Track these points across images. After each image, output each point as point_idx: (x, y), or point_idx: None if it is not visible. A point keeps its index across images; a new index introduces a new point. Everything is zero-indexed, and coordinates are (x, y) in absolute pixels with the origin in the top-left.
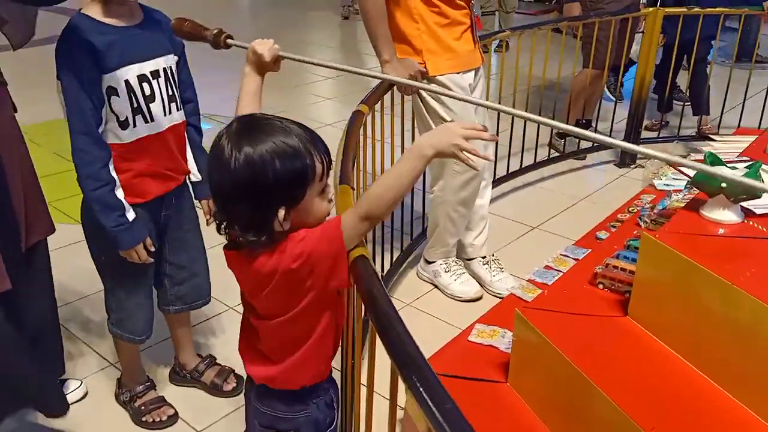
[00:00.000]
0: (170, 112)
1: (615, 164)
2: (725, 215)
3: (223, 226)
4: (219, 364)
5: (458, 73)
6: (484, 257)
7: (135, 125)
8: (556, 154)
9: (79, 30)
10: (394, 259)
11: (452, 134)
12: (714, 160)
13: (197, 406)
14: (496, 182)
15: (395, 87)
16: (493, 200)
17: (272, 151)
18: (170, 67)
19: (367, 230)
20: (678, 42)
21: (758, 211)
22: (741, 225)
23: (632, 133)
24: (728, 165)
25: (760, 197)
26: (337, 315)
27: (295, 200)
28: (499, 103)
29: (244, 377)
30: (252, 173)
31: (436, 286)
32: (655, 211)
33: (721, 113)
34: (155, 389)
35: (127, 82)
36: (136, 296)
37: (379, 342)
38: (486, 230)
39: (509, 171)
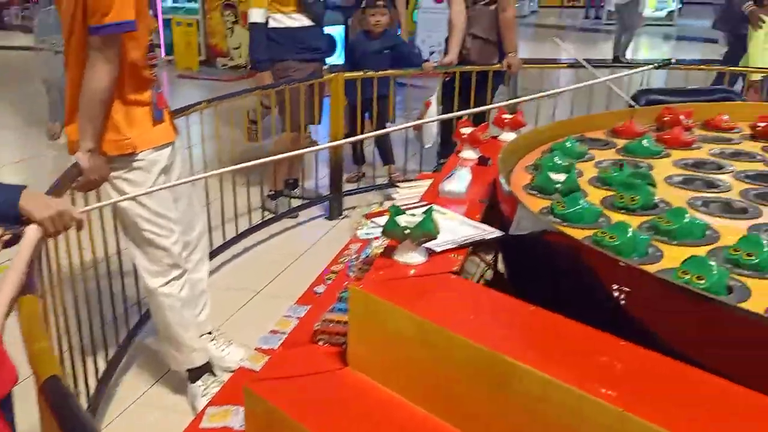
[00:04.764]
0: None
1: (326, 218)
2: (413, 257)
3: None
4: None
5: (159, 148)
6: (209, 333)
7: None
8: (270, 215)
9: None
10: (111, 357)
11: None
12: (397, 212)
13: None
14: (214, 253)
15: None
16: (213, 271)
17: None
18: None
19: None
20: (361, 101)
21: (438, 249)
22: (426, 263)
23: (335, 187)
24: (407, 212)
25: (436, 238)
26: None
27: None
28: (206, 169)
29: None
30: None
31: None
32: (361, 260)
33: (405, 161)
34: None
35: None
36: None
37: None
38: (208, 305)
39: (226, 239)
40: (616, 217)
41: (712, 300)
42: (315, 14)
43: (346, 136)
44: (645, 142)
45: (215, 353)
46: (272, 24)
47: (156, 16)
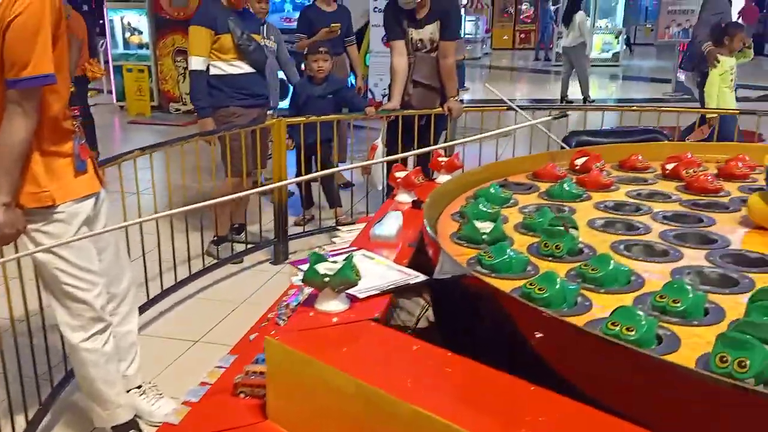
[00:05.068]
0: None
1: (270, 262)
2: (334, 305)
3: None
4: None
5: (80, 200)
6: (139, 387)
7: None
8: (214, 261)
9: None
10: (32, 416)
11: None
12: (317, 259)
13: None
14: (152, 302)
15: None
16: (151, 321)
17: None
18: None
19: None
20: (304, 145)
21: (361, 296)
22: (348, 311)
23: (280, 231)
24: (330, 259)
25: (356, 285)
26: None
27: None
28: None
29: None
30: None
31: None
32: (290, 307)
33: (351, 204)
34: None
35: None
36: None
37: None
38: (138, 358)
39: (164, 288)
40: (543, 264)
41: (644, 355)
42: (255, 61)
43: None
44: (566, 186)
45: (144, 408)
46: (213, 71)
47: (106, 62)
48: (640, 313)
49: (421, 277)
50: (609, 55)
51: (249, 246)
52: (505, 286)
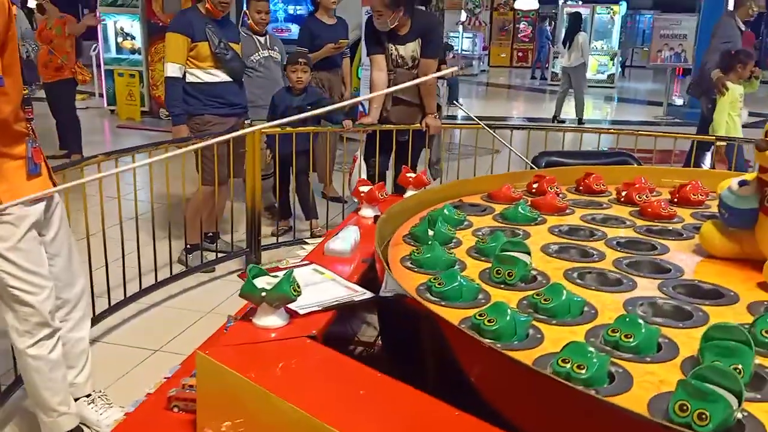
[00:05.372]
0: None
1: (242, 272)
2: (272, 321)
3: None
4: None
5: (30, 203)
6: (89, 395)
7: None
8: (184, 269)
9: None
10: None
11: None
12: (257, 273)
13: None
14: (113, 309)
15: None
16: (113, 328)
17: None
18: None
19: None
20: (280, 156)
21: (302, 312)
22: (286, 327)
23: (253, 241)
24: (270, 274)
25: (294, 300)
26: None
27: None
28: (103, 225)
29: None
30: None
31: None
32: (239, 319)
33: (327, 217)
34: None
35: None
36: None
37: None
38: (89, 365)
39: (127, 295)
40: (495, 292)
41: (595, 399)
42: (232, 70)
43: (273, 188)
44: (521, 209)
45: (92, 417)
46: (189, 79)
47: (98, 66)
48: (592, 349)
49: (368, 295)
50: (604, 76)
51: (221, 255)
52: (455, 315)
